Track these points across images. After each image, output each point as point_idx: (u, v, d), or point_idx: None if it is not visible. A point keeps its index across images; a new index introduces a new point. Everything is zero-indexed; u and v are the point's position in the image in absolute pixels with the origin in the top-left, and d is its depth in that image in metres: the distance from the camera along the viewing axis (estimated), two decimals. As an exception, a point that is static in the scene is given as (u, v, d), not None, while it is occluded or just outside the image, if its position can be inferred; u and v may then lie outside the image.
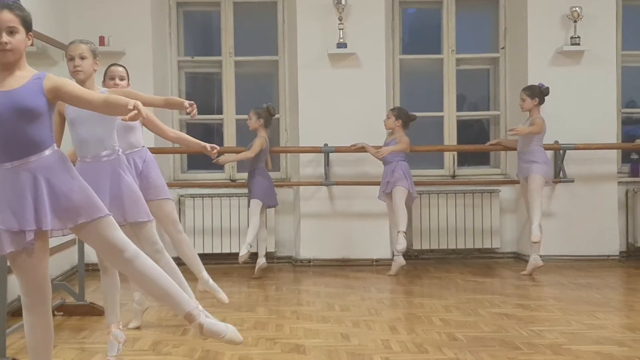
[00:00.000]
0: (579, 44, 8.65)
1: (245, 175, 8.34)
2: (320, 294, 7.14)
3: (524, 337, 5.36)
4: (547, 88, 8.08)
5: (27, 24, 3.56)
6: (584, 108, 8.69)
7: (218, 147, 5.66)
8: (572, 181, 8.67)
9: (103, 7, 8.53)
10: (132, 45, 8.44)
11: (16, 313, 5.13)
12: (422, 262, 8.90)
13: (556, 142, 8.57)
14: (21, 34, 3.53)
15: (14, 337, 5.19)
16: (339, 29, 8.61)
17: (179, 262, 5.73)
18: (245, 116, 8.34)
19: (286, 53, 9.19)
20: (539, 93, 8.06)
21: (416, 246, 8.90)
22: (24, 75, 3.56)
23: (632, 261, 8.82)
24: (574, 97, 8.68)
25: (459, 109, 9.41)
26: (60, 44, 7.02)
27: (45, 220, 3.51)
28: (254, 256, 8.17)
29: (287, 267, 8.80)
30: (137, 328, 5.72)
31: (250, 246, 7.83)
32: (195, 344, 5.25)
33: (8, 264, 3.91)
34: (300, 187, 8.84)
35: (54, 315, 5.95)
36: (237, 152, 8.24)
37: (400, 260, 8.11)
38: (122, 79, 5.57)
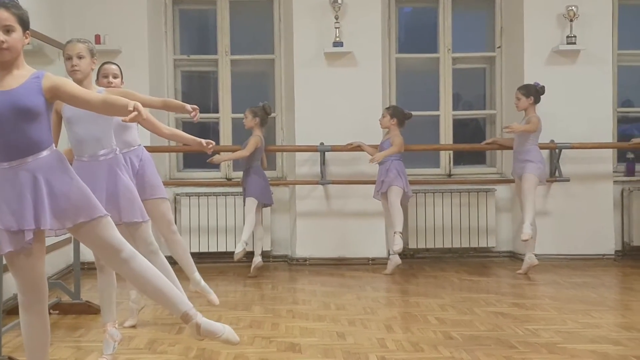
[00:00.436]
0: (575, 43, 8.66)
1: (240, 174, 8.33)
2: (316, 293, 7.14)
3: (519, 335, 5.37)
4: (543, 87, 8.08)
5: (23, 23, 3.56)
6: (579, 107, 8.69)
7: (214, 142, 5.66)
8: (568, 180, 8.68)
9: (99, 5, 8.52)
10: (128, 44, 8.43)
11: (12, 311, 5.12)
12: (417, 261, 8.91)
13: (552, 141, 8.58)
14: (18, 33, 3.52)
15: (9, 336, 5.19)
16: (335, 28, 8.61)
17: (171, 261, 5.73)
18: (242, 115, 8.33)
19: (282, 52, 9.18)
20: (534, 92, 8.06)
21: (412, 245, 8.91)
22: (22, 74, 3.55)
23: (627, 260, 8.83)
24: (570, 97, 8.69)
25: (455, 108, 9.41)
26: (57, 42, 7.02)
27: (44, 220, 3.51)
28: (249, 255, 8.17)
29: (282, 265, 8.80)
30: (133, 327, 5.72)
31: (246, 244, 7.82)
32: (191, 343, 5.25)
33: (4, 262, 3.89)
34: (296, 185, 8.83)
35: (49, 313, 5.95)
36: (233, 151, 8.24)
37: (396, 259, 8.11)
38: (115, 77, 5.56)
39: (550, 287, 7.36)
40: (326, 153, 8.62)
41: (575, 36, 8.64)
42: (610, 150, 8.94)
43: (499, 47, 9.31)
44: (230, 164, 9.15)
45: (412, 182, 8.43)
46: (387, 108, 8.34)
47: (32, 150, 3.52)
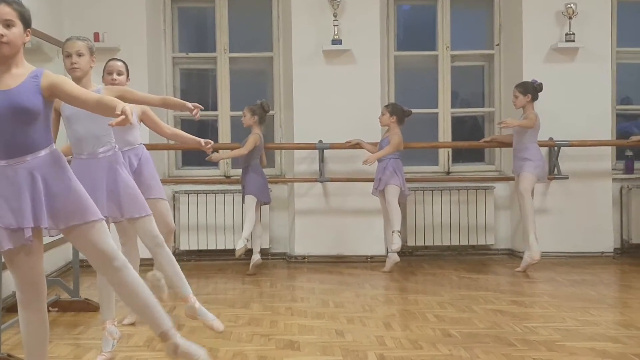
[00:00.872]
0: (573, 41, 8.66)
1: (239, 171, 8.33)
2: (315, 291, 7.14)
3: (518, 333, 5.37)
4: (540, 84, 8.08)
5: (25, 19, 3.55)
6: (578, 105, 8.69)
7: (212, 142, 5.65)
8: (567, 178, 8.68)
9: (98, 3, 8.51)
10: (127, 42, 8.42)
11: (11, 309, 5.12)
12: (416, 259, 8.91)
13: (551, 138, 8.59)
14: (18, 28, 3.51)
15: (9, 333, 5.19)
16: (334, 26, 8.61)
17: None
18: (240, 112, 8.33)
19: (281, 49, 9.18)
20: (531, 89, 8.05)
21: (410, 243, 8.91)
22: (21, 73, 3.54)
23: (626, 258, 8.84)
24: (569, 94, 8.68)
25: (453, 105, 9.41)
26: (55, 40, 7.02)
27: (42, 218, 3.51)
28: (248, 252, 8.17)
29: (281, 263, 8.80)
30: (132, 324, 5.71)
31: (247, 240, 7.82)
32: (190, 340, 5.23)
33: (3, 260, 3.89)
34: (295, 183, 8.83)
35: (48, 311, 5.94)
36: (232, 149, 8.24)
37: (394, 257, 8.11)
38: (119, 73, 5.56)
39: (549, 284, 7.36)
40: (325, 151, 8.62)
41: (574, 34, 8.64)
42: (609, 147, 8.94)
43: (497, 45, 9.31)
44: (229, 161, 9.14)
45: (410, 180, 8.44)
46: (386, 106, 8.33)
47: (31, 149, 3.51)
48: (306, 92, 8.71)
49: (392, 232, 7.95)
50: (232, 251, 8.40)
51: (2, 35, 3.46)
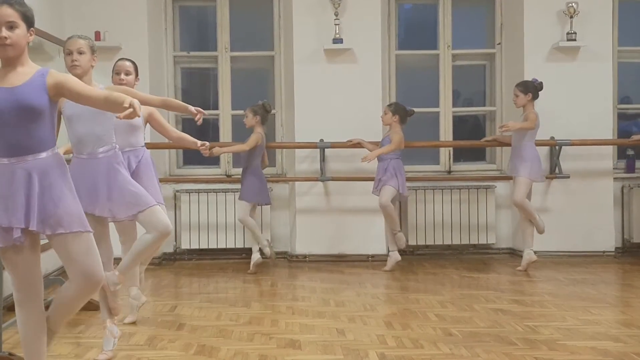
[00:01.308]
0: (575, 40, 8.66)
1: (240, 170, 8.31)
2: (316, 290, 7.14)
3: (519, 332, 5.37)
4: (541, 83, 8.07)
5: (27, 20, 3.55)
6: (579, 104, 8.69)
7: (207, 143, 5.63)
8: (568, 177, 8.68)
9: (99, 2, 8.51)
10: (128, 41, 8.42)
11: (12, 307, 5.09)
12: (417, 258, 8.91)
13: (552, 137, 8.58)
14: (21, 29, 3.51)
15: (10, 332, 5.20)
16: (335, 25, 8.60)
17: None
18: (241, 112, 8.33)
19: (282, 48, 9.18)
20: (532, 88, 8.05)
21: (412, 242, 8.90)
22: (27, 71, 3.54)
23: (627, 257, 8.84)
24: (570, 93, 8.68)
25: (454, 104, 9.41)
26: (56, 39, 7.02)
27: (33, 220, 3.50)
28: (248, 252, 8.18)
29: (282, 262, 8.80)
30: (133, 323, 5.72)
31: (268, 243, 7.98)
32: (191, 339, 5.26)
33: (2, 260, 3.89)
34: (296, 182, 8.83)
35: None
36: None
37: (395, 256, 8.11)
38: (127, 73, 5.58)
39: (550, 283, 7.36)
40: (326, 150, 8.62)
41: (575, 33, 8.63)
42: (610, 147, 8.94)
43: (499, 44, 9.30)
44: (230, 160, 9.15)
45: (411, 179, 8.44)
46: (388, 105, 8.33)
47: (33, 150, 3.51)
48: (307, 91, 8.70)
49: (394, 234, 7.99)
50: (233, 250, 8.43)
51: (5, 37, 3.46)
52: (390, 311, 6.20)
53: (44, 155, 3.54)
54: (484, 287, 7.24)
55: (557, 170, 8.69)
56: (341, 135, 8.52)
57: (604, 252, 8.79)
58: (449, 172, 9.31)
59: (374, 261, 8.62)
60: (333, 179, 8.67)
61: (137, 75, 5.70)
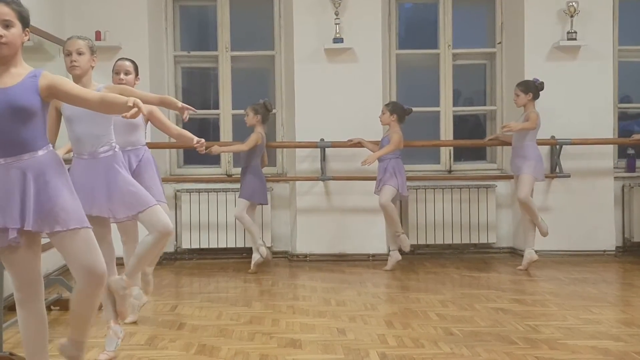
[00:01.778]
0: (575, 39, 8.66)
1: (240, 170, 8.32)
2: (317, 289, 7.14)
3: (520, 331, 5.37)
4: (542, 83, 8.07)
5: (23, 19, 3.55)
6: (580, 103, 8.69)
7: (204, 140, 5.62)
8: (569, 176, 8.67)
9: (99, 1, 8.51)
10: (128, 40, 8.42)
11: (13, 307, 5.10)
12: (418, 257, 8.91)
13: (552, 137, 8.58)
14: (17, 28, 3.51)
15: (11, 332, 5.20)
16: (335, 24, 8.60)
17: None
18: (242, 111, 8.33)
19: (282, 48, 9.18)
20: (533, 88, 8.05)
21: (412, 241, 8.88)
22: (19, 72, 3.54)
23: (628, 256, 8.83)
24: (571, 92, 8.68)
25: (455, 104, 9.41)
26: (57, 38, 7.02)
27: (28, 220, 3.49)
28: (249, 251, 8.18)
29: (283, 262, 8.80)
30: (134, 323, 5.72)
31: (264, 243, 7.89)
32: (192, 339, 5.26)
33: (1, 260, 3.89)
34: (297, 182, 8.83)
35: (50, 310, 5.97)
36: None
37: (396, 255, 8.12)
38: (127, 73, 5.58)
39: (550, 283, 7.36)
40: (326, 149, 8.62)
41: (575, 32, 8.63)
42: (611, 146, 8.94)
43: (499, 43, 9.30)
44: (231, 160, 9.16)
45: (412, 178, 8.43)
46: (386, 104, 8.33)
47: (27, 149, 3.51)
48: (308, 90, 8.71)
49: (397, 236, 7.99)
50: (234, 249, 8.42)
51: (1, 36, 3.46)
52: (391, 310, 6.20)
53: (40, 153, 3.54)
54: (485, 286, 7.24)
55: (557, 170, 8.69)
56: (342, 134, 8.52)
57: (604, 251, 8.79)
58: (450, 171, 9.31)
59: (374, 260, 8.62)
60: (334, 179, 8.67)
61: (137, 74, 5.70)
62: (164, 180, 7.97)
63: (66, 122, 4.68)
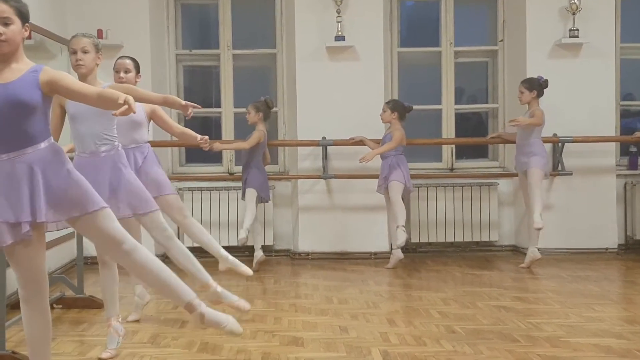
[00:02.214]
0: (577, 37, 8.64)
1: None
2: (319, 287, 7.15)
3: (522, 329, 5.37)
4: (546, 81, 8.07)
5: (22, 15, 3.55)
6: (582, 101, 8.68)
7: (207, 137, 5.62)
8: (571, 174, 8.67)
9: (101, 0, 8.51)
10: (130, 39, 8.41)
11: (15, 306, 5.11)
12: (420, 255, 8.91)
13: (554, 134, 8.57)
14: (16, 25, 3.51)
15: (13, 330, 5.20)
16: (337, 22, 8.60)
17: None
18: (244, 109, 8.33)
19: (284, 46, 9.17)
20: (537, 86, 8.05)
21: (414, 239, 8.90)
22: (21, 68, 3.55)
23: (630, 254, 8.83)
24: (573, 90, 8.67)
25: (457, 101, 9.40)
26: (59, 37, 7.03)
27: (40, 212, 3.50)
28: (251, 249, 8.19)
29: (285, 260, 8.81)
30: (137, 321, 5.72)
31: (249, 231, 7.82)
32: (194, 337, 5.26)
33: (6, 257, 3.90)
34: (299, 180, 8.84)
35: (53, 308, 5.97)
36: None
37: (398, 254, 8.11)
38: (127, 71, 5.58)
39: (553, 280, 7.36)
40: (328, 147, 8.62)
41: (577, 29, 8.62)
42: (613, 143, 8.93)
43: (501, 41, 9.30)
44: (233, 158, 9.16)
45: (414, 176, 8.43)
46: (387, 102, 8.33)
47: (30, 143, 3.52)
48: (309, 88, 8.70)
49: (397, 227, 7.95)
50: (236, 248, 8.40)
51: (0, 33, 3.46)
52: (393, 308, 6.20)
53: (42, 145, 3.55)
54: (487, 284, 7.24)
55: (559, 167, 8.69)
56: (343, 132, 8.52)
57: (606, 249, 8.78)
58: (452, 169, 9.30)
59: (376, 259, 8.62)
60: (335, 177, 8.67)
61: (138, 72, 5.69)
62: (166, 178, 7.99)
63: (70, 120, 4.70)
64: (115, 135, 4.75)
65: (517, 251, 8.93)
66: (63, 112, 4.72)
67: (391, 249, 8.30)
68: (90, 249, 6.85)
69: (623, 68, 9.21)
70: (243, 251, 8.77)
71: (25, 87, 3.49)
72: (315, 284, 7.34)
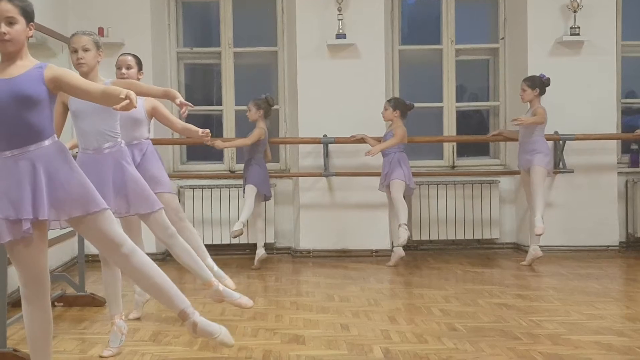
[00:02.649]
0: (578, 34, 8.64)
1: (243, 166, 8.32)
2: (320, 285, 7.15)
3: (523, 327, 5.37)
4: (548, 79, 8.06)
5: (27, 14, 3.56)
6: (583, 98, 8.68)
7: (209, 130, 5.62)
8: (572, 172, 8.66)
9: (102, -2, 8.54)
10: (131, 37, 8.42)
11: (17, 304, 5.12)
12: (421, 253, 8.91)
13: (556, 132, 8.57)
14: (21, 24, 3.52)
15: (14, 328, 5.20)
16: (338, 20, 8.60)
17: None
18: (245, 107, 8.33)
19: (285, 44, 9.17)
20: (539, 84, 8.04)
21: (416, 237, 8.91)
22: (26, 64, 3.57)
23: (631, 251, 8.83)
24: (574, 88, 8.67)
25: (458, 99, 9.40)
26: (60, 35, 7.03)
27: (42, 210, 3.51)
28: (252, 247, 8.20)
29: (286, 257, 8.81)
30: (138, 319, 5.73)
31: (243, 224, 7.81)
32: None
33: (7, 255, 3.90)
34: (300, 178, 8.84)
35: (54, 306, 5.98)
36: (236, 143, 8.25)
37: (399, 252, 8.11)
38: (129, 67, 5.57)
39: (554, 278, 7.36)
40: (329, 145, 8.62)
41: (579, 27, 8.62)
42: (615, 141, 8.92)
43: (502, 39, 9.29)
44: (234, 156, 9.16)
45: (415, 174, 8.43)
46: (388, 100, 8.33)
47: (34, 139, 3.52)
48: (311, 86, 8.70)
49: (399, 225, 7.94)
50: (237, 246, 8.42)
51: (4, 33, 3.48)
52: (395, 306, 6.20)
53: (46, 143, 3.55)
54: (488, 282, 7.24)
55: (561, 165, 8.68)
56: (345, 130, 8.52)
57: (608, 246, 8.78)
58: (453, 167, 9.30)
59: (377, 256, 8.62)
60: (337, 175, 8.67)
61: (140, 69, 5.69)
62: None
63: (72, 117, 4.70)
64: (118, 132, 4.76)
65: (519, 249, 8.93)
66: (65, 109, 4.73)
67: (392, 246, 8.30)
68: (91, 247, 6.80)
69: (624, 66, 9.21)
70: (244, 249, 8.79)
71: (31, 81, 3.50)
72: (316, 281, 7.34)
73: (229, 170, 9.21)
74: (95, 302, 6.22)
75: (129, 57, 5.64)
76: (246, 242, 8.69)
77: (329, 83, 8.67)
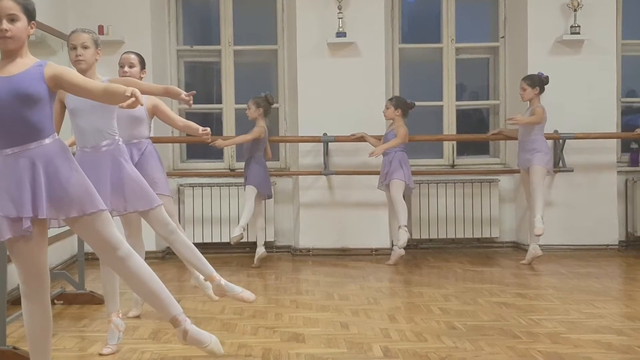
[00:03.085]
0: (579, 33, 8.63)
1: (244, 164, 8.32)
2: (320, 283, 7.15)
3: (523, 326, 5.37)
4: (547, 77, 8.06)
5: (28, 12, 3.56)
6: (583, 97, 8.68)
7: (209, 128, 5.61)
8: (572, 170, 8.66)
9: (102, -4, 8.53)
10: (131, 35, 8.42)
11: (16, 302, 5.13)
12: (421, 252, 8.91)
13: (556, 131, 8.57)
14: (22, 22, 3.53)
15: (14, 326, 5.20)
16: (339, 18, 8.60)
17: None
18: (245, 105, 8.33)
19: (285, 42, 9.17)
20: (539, 82, 8.04)
21: (415, 236, 8.90)
22: (26, 62, 3.57)
23: (631, 250, 8.83)
24: (574, 87, 8.67)
25: (458, 98, 9.40)
26: (60, 33, 7.01)
27: (41, 208, 3.51)
28: (252, 245, 8.20)
29: (286, 256, 8.81)
30: (137, 317, 5.73)
31: (244, 229, 7.81)
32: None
33: (7, 252, 3.90)
34: (300, 176, 8.83)
35: (54, 304, 5.98)
36: (236, 142, 8.25)
37: (399, 250, 8.11)
38: (131, 66, 5.58)
39: (553, 277, 7.36)
40: (329, 144, 8.62)
41: (579, 26, 8.61)
42: (614, 140, 8.92)
43: (502, 37, 9.29)
44: (234, 154, 9.16)
45: (415, 173, 8.43)
46: (390, 99, 8.33)
47: (34, 137, 3.52)
48: (311, 84, 8.70)
49: (399, 227, 7.95)
50: (237, 244, 8.40)
51: (6, 30, 3.48)
52: (394, 305, 6.20)
53: (47, 141, 3.56)
54: (488, 280, 7.24)
55: (560, 164, 8.68)
56: (345, 129, 8.52)
57: (607, 245, 8.78)
58: (453, 165, 9.30)
59: (377, 255, 8.63)
60: (337, 173, 8.67)
61: (143, 67, 5.68)
62: (167, 175, 7.99)
63: (70, 114, 4.70)
64: (116, 129, 4.75)
65: (518, 247, 8.94)
66: (63, 107, 4.72)
67: (392, 245, 8.30)
68: (91, 245, 6.84)
69: (624, 65, 9.20)
70: (244, 247, 8.79)
71: (31, 79, 3.50)
72: (316, 280, 7.34)
73: (229, 169, 9.21)
74: (95, 300, 6.22)
75: (132, 56, 5.64)
76: (246, 240, 8.68)
77: (329, 81, 8.67)
